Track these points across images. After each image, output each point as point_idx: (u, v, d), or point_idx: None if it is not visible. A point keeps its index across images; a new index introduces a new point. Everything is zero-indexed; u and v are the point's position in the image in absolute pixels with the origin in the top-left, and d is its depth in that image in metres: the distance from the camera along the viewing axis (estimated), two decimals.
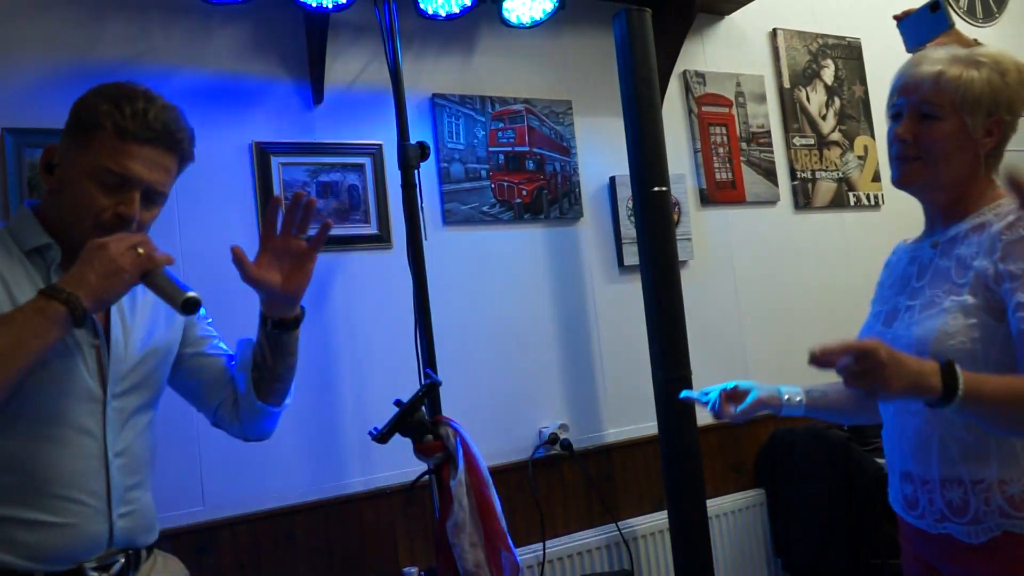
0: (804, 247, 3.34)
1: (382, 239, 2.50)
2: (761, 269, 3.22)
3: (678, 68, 3.07)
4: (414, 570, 2.38)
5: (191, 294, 1.24)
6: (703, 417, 2.52)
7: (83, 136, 1.28)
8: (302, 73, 2.45)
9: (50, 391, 1.25)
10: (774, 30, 3.40)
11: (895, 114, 1.46)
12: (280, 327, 1.47)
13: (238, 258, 1.38)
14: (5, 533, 1.23)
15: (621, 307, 2.88)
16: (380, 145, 2.52)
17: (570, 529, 2.71)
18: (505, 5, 2.53)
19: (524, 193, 2.75)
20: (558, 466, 2.72)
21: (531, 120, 2.79)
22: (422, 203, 2.23)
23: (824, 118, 3.47)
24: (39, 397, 1.24)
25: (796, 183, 3.35)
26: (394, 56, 2.24)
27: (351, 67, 2.54)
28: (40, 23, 2.15)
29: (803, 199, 3.35)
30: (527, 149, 2.77)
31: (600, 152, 2.92)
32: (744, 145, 3.24)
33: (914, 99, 1.41)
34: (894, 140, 1.44)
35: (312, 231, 1.46)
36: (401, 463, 2.32)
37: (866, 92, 3.59)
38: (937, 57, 1.41)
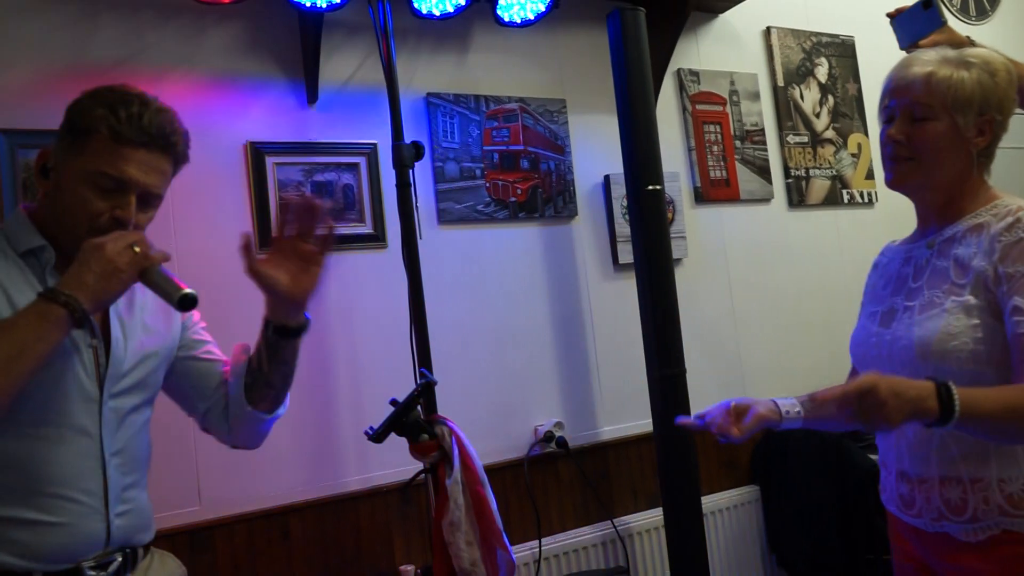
0: (798, 245, 3.35)
1: (377, 239, 2.50)
2: (755, 267, 3.24)
3: (672, 66, 3.08)
4: (410, 568, 2.38)
5: (188, 291, 1.25)
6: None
7: (78, 140, 1.28)
8: (296, 73, 2.45)
9: (47, 391, 1.26)
10: (768, 28, 3.40)
11: (887, 116, 1.47)
12: (281, 333, 1.45)
13: (245, 247, 1.36)
14: (3, 533, 1.23)
15: (616, 305, 2.89)
16: (375, 144, 2.52)
17: (566, 526, 2.72)
18: (499, 4, 2.53)
19: (519, 192, 2.76)
20: (553, 464, 2.73)
21: (525, 119, 2.80)
22: (417, 202, 2.24)
23: (818, 116, 3.48)
24: (36, 397, 1.25)
25: (790, 181, 3.36)
26: (388, 55, 2.25)
27: (345, 66, 2.54)
28: (33, 24, 2.15)
29: (797, 197, 3.36)
30: (522, 148, 2.78)
31: (594, 150, 2.92)
32: (738, 143, 3.24)
33: (906, 100, 1.42)
34: (887, 142, 1.45)
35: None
36: (397, 462, 2.33)
37: (860, 90, 3.61)
38: (927, 59, 1.42)
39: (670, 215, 2.96)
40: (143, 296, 1.42)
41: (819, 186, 3.43)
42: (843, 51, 3.59)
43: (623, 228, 2.88)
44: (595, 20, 2.91)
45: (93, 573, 1.30)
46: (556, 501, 2.73)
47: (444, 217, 2.62)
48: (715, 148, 3.19)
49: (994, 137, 1.42)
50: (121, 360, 1.36)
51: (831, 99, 3.53)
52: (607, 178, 2.93)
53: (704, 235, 3.13)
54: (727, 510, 3.00)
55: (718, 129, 3.21)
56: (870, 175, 3.58)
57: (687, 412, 2.47)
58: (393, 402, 1.78)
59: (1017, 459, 1.31)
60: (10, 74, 2.11)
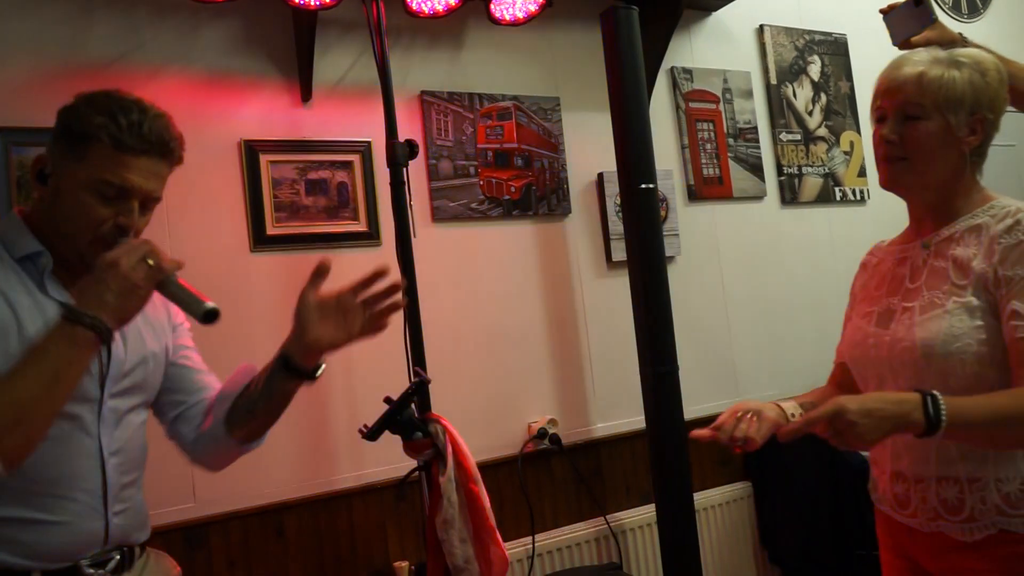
0: (791, 242, 3.36)
1: (371, 236, 2.51)
2: (748, 264, 3.25)
3: (665, 64, 3.08)
4: (404, 565, 2.39)
5: (211, 305, 1.26)
6: (690, 411, 2.55)
7: (78, 147, 1.28)
8: (290, 70, 2.45)
9: None
10: (761, 26, 3.41)
11: (879, 117, 1.48)
12: (290, 371, 1.42)
13: (322, 271, 1.39)
14: (2, 532, 1.23)
15: (609, 302, 2.90)
16: (369, 142, 2.52)
17: (559, 523, 2.73)
18: (492, 2, 2.53)
19: (512, 190, 2.76)
20: (547, 461, 2.74)
21: (519, 117, 2.80)
22: (411, 200, 2.24)
23: (810, 114, 3.49)
24: None
25: (783, 178, 3.37)
26: (382, 53, 2.24)
27: (339, 64, 2.54)
28: (27, 21, 2.14)
29: (790, 194, 3.38)
30: (515, 146, 2.78)
31: (588, 148, 2.93)
32: (731, 141, 3.25)
33: (897, 101, 1.42)
34: (879, 142, 1.46)
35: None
36: (391, 460, 2.34)
37: (852, 88, 3.62)
38: (918, 59, 1.43)
39: (663, 213, 2.97)
40: None
41: (812, 184, 3.45)
42: (836, 49, 3.60)
43: (616, 226, 2.89)
44: (588, 18, 2.91)
45: (91, 571, 1.31)
46: (549, 498, 2.74)
47: (438, 215, 2.63)
48: (708, 146, 3.20)
49: (986, 136, 1.43)
50: (122, 360, 1.37)
51: (824, 97, 3.54)
52: (600, 176, 2.93)
53: (697, 233, 3.14)
54: (719, 506, 3.02)
55: (711, 127, 3.21)
56: (862, 173, 3.60)
57: (680, 410, 2.48)
58: (387, 400, 1.78)
59: (1015, 459, 1.32)
60: (4, 71, 2.10)
